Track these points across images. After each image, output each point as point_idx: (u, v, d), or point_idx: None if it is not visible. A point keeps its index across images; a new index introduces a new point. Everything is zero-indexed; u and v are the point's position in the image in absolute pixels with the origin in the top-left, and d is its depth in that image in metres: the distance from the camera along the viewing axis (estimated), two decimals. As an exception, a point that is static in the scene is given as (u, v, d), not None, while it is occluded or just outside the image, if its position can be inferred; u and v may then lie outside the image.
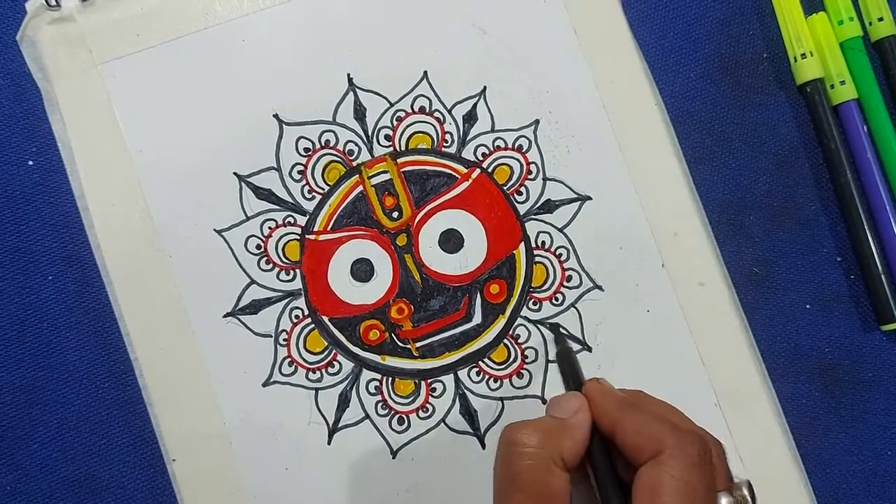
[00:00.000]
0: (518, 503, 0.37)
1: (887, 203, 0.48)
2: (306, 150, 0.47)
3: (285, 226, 0.47)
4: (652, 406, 0.38)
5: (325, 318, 0.47)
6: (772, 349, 0.49)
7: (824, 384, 0.49)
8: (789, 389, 0.48)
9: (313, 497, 0.47)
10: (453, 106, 0.48)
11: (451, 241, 0.47)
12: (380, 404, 0.47)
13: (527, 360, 0.47)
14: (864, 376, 0.49)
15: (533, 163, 0.48)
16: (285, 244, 0.47)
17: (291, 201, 0.47)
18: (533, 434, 0.37)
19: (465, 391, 0.47)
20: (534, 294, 0.48)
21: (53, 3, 0.47)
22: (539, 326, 0.47)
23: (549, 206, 0.48)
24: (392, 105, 0.48)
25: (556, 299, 0.48)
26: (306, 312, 0.47)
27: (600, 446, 0.38)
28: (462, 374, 0.47)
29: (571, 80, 0.49)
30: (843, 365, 0.49)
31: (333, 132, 0.48)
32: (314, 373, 0.47)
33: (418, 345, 0.47)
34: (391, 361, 0.47)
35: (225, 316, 0.47)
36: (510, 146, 0.48)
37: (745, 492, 0.38)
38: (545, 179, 0.48)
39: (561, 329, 0.48)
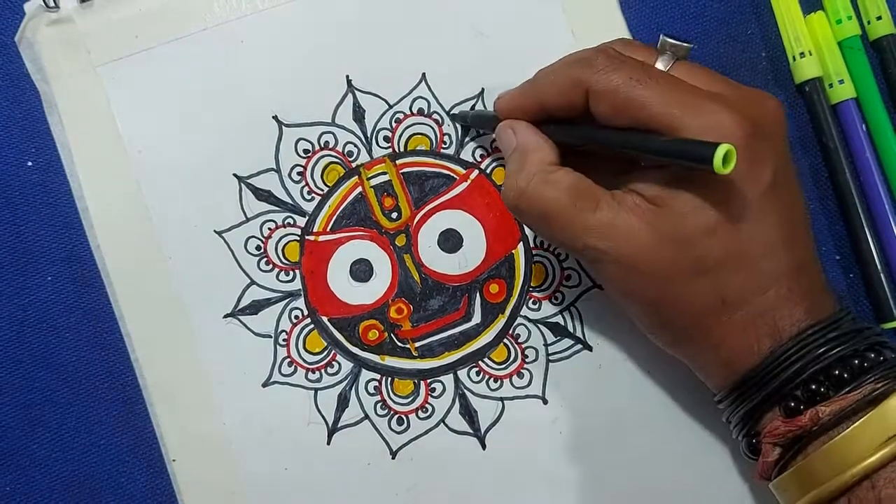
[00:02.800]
0: (563, 221, 0.38)
1: (886, 202, 0.48)
2: (306, 151, 0.48)
3: (285, 227, 0.47)
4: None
5: (325, 319, 0.47)
6: (771, 348, 0.49)
7: (823, 383, 0.49)
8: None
9: (313, 497, 0.47)
10: (452, 108, 0.48)
11: (450, 241, 0.48)
12: (379, 404, 0.47)
13: (527, 360, 0.47)
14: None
15: (532, 163, 0.48)
16: (285, 245, 0.47)
17: (291, 202, 0.47)
18: (517, 177, 0.40)
19: (465, 391, 0.47)
20: (533, 293, 0.48)
21: (52, 4, 0.47)
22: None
23: (548, 206, 0.48)
24: (391, 107, 0.48)
25: (556, 298, 0.48)
26: (306, 313, 0.47)
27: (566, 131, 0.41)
28: (462, 373, 0.47)
29: (570, 80, 0.49)
30: (843, 364, 0.49)
31: (333, 134, 0.48)
32: (313, 373, 0.47)
33: (417, 345, 0.47)
34: (390, 361, 0.47)
35: (225, 316, 0.47)
36: (509, 146, 0.48)
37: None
38: (544, 179, 0.48)
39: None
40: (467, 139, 0.48)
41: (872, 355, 0.36)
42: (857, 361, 0.36)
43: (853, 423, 0.35)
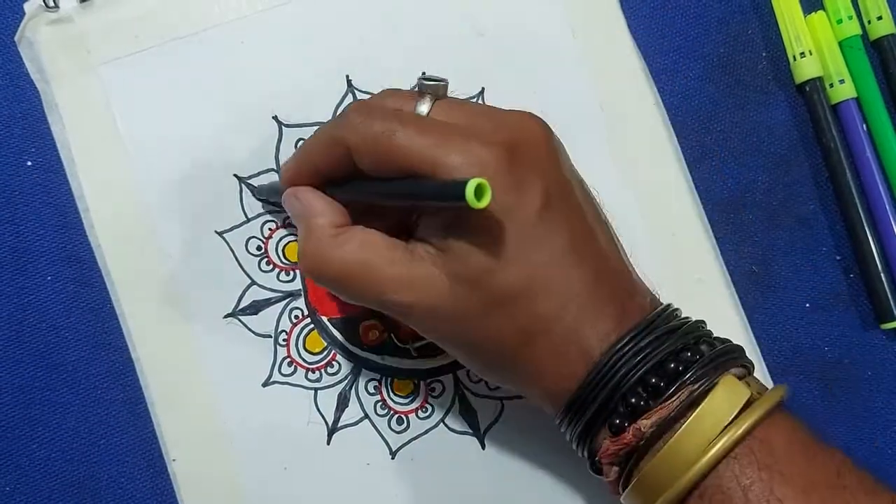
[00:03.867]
0: (362, 281, 0.38)
1: (886, 202, 0.48)
2: (305, 150, 0.47)
3: (285, 227, 0.47)
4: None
5: (325, 319, 0.47)
6: (771, 348, 0.49)
7: (824, 383, 0.49)
8: (789, 388, 0.48)
9: (313, 497, 0.47)
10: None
11: (450, 240, 0.47)
12: (379, 404, 0.47)
13: (526, 360, 0.47)
14: (864, 374, 0.49)
15: (532, 163, 0.48)
16: (285, 245, 0.47)
17: (291, 202, 0.47)
18: (306, 243, 0.39)
19: (465, 391, 0.47)
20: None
21: (52, 4, 0.47)
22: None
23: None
24: (391, 105, 0.48)
25: (556, 299, 0.48)
26: (306, 313, 0.47)
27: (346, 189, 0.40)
28: (461, 373, 0.47)
29: (570, 80, 0.49)
30: (843, 363, 0.49)
31: (333, 133, 0.48)
32: (313, 373, 0.47)
33: (417, 345, 0.47)
34: (390, 361, 0.47)
35: (225, 316, 0.47)
36: (509, 146, 0.48)
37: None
38: (544, 179, 0.48)
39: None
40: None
41: (689, 354, 0.36)
42: (672, 365, 0.35)
43: (676, 431, 0.34)
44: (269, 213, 0.47)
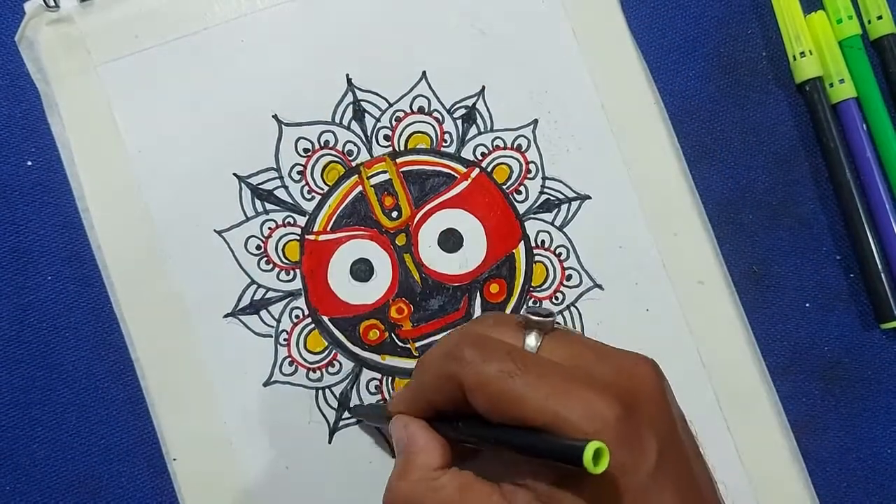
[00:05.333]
0: None
1: (886, 201, 0.48)
2: (305, 150, 0.48)
3: (285, 226, 0.47)
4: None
5: (325, 318, 0.47)
6: (771, 348, 0.49)
7: (824, 383, 0.49)
8: (789, 388, 0.48)
9: (314, 496, 0.47)
10: (452, 106, 0.48)
11: (450, 240, 0.47)
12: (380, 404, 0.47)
13: (527, 360, 0.47)
14: (864, 374, 0.49)
15: (532, 162, 0.48)
16: (285, 244, 0.47)
17: (291, 202, 0.47)
18: (401, 483, 0.38)
19: (465, 391, 0.47)
20: (534, 293, 0.48)
21: (52, 4, 0.47)
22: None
23: (549, 206, 0.48)
24: (391, 105, 0.48)
25: (556, 298, 0.48)
26: (306, 312, 0.47)
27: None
28: (462, 373, 0.47)
29: (570, 79, 0.49)
30: (843, 363, 0.49)
31: (332, 132, 0.48)
32: (314, 372, 0.47)
33: (418, 344, 0.47)
34: (391, 361, 0.47)
35: (225, 316, 0.47)
36: (509, 146, 0.48)
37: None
38: (544, 179, 0.48)
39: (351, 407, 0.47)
40: None
41: None
42: None
43: None
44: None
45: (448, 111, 0.48)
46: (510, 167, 0.48)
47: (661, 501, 0.35)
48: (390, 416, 0.41)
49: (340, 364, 0.47)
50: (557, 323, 0.38)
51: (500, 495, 0.36)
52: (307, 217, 0.47)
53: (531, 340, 0.37)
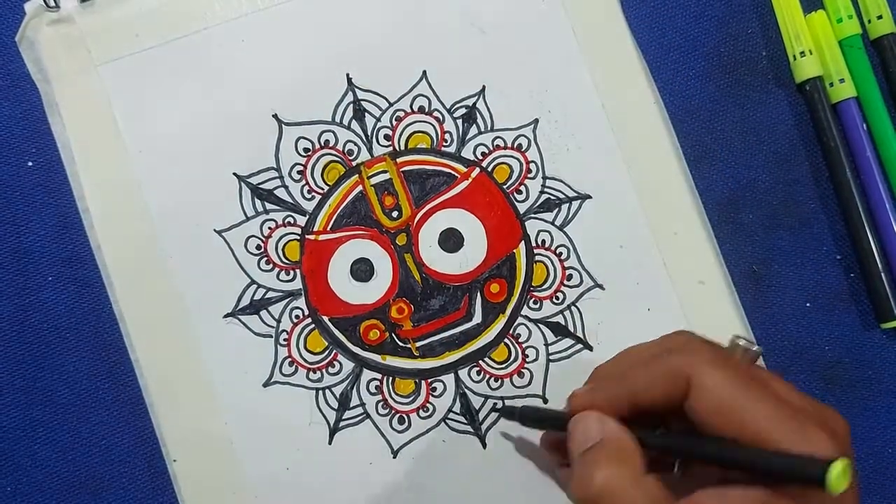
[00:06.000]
0: None
1: (887, 201, 0.48)
2: (306, 150, 0.47)
3: (285, 226, 0.47)
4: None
5: (326, 318, 0.47)
6: (772, 347, 0.49)
7: (825, 382, 0.49)
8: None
9: (314, 497, 0.47)
10: (452, 105, 0.48)
11: (450, 240, 0.47)
12: (380, 404, 0.47)
13: (527, 360, 0.47)
14: (865, 374, 0.49)
15: (532, 162, 0.48)
16: (285, 244, 0.47)
17: (291, 201, 0.47)
18: (605, 469, 0.35)
19: (466, 390, 0.47)
20: (534, 293, 0.48)
21: (52, 4, 0.47)
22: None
23: (549, 205, 0.48)
24: (391, 105, 0.48)
25: (557, 298, 0.48)
26: (306, 312, 0.47)
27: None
28: (462, 373, 0.47)
29: (570, 78, 0.49)
30: (844, 363, 0.49)
31: (333, 132, 0.48)
32: (315, 373, 0.47)
33: (418, 344, 0.47)
34: (391, 361, 0.47)
35: (225, 316, 0.47)
36: (509, 145, 0.48)
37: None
38: (545, 178, 0.48)
39: (499, 406, 0.47)
40: None
41: None
42: None
43: None
44: None
45: (448, 111, 0.48)
46: (510, 167, 0.48)
47: None
48: (567, 418, 0.38)
49: (340, 364, 0.47)
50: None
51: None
52: (307, 217, 0.47)
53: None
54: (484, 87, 0.48)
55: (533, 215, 0.48)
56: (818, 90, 0.49)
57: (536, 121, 0.48)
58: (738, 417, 0.33)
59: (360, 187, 0.48)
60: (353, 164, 0.48)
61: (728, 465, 0.34)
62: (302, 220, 0.47)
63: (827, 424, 0.33)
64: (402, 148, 0.48)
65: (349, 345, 0.47)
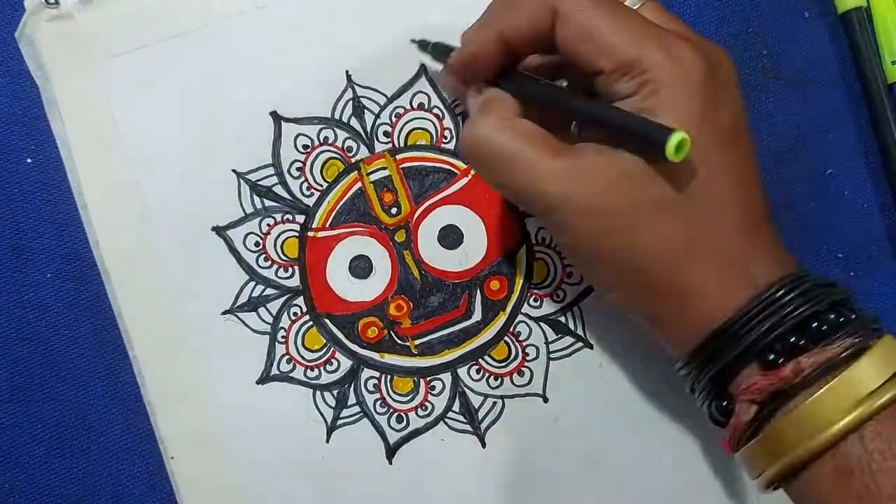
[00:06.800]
0: (520, 165, 0.37)
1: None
2: (305, 147, 0.47)
3: (284, 223, 0.47)
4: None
5: (324, 316, 0.47)
6: (772, 346, 0.49)
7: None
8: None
9: (311, 495, 0.47)
10: (452, 102, 0.48)
11: (450, 237, 0.47)
12: (378, 402, 0.47)
13: (527, 358, 0.47)
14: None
15: (532, 159, 0.48)
16: (284, 241, 0.47)
17: (290, 198, 0.47)
18: (476, 122, 0.39)
19: (465, 389, 0.47)
20: (534, 290, 0.48)
21: (52, 0, 0.47)
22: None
23: (549, 203, 0.48)
24: (391, 101, 0.48)
25: (557, 296, 0.47)
26: (305, 310, 0.47)
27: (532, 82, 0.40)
28: (461, 371, 0.47)
29: (570, 76, 0.49)
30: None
31: (332, 129, 0.48)
32: (312, 370, 0.47)
33: (417, 342, 0.47)
34: (390, 359, 0.47)
35: (223, 313, 0.47)
36: (509, 143, 0.48)
37: None
38: (544, 176, 0.48)
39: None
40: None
41: (847, 311, 0.35)
42: (832, 316, 0.35)
43: (830, 381, 0.34)
44: (268, 209, 0.47)
45: (448, 107, 0.48)
46: (510, 164, 0.48)
47: (736, 163, 0.36)
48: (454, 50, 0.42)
49: (339, 362, 0.47)
50: None
51: (571, 146, 0.37)
52: (306, 214, 0.47)
53: (631, 3, 0.39)
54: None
55: (532, 213, 0.48)
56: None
57: (536, 118, 0.48)
58: (601, 41, 0.36)
59: (359, 184, 0.47)
60: (353, 160, 0.48)
61: (588, 119, 0.37)
62: (301, 217, 0.47)
63: (700, 48, 0.36)
64: (402, 145, 0.48)
65: (347, 342, 0.47)
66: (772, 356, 0.35)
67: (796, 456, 0.34)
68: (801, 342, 0.34)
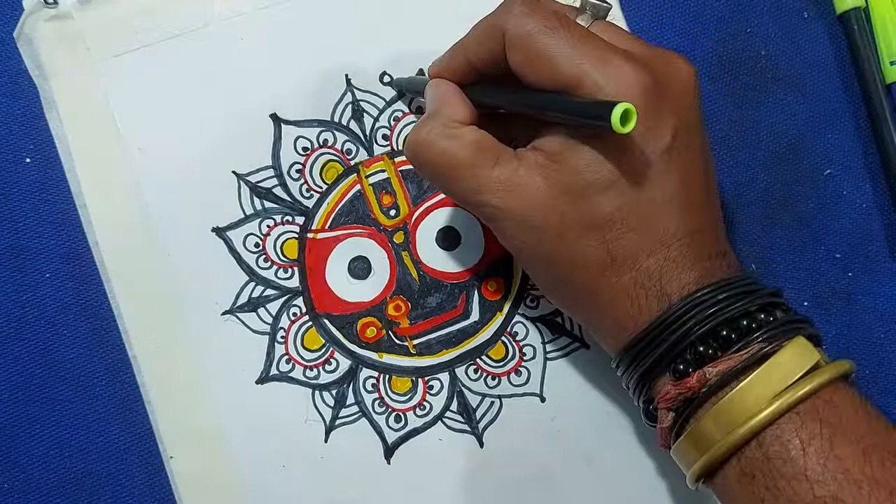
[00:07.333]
0: (459, 174, 0.39)
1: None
2: (304, 149, 0.47)
3: (283, 224, 0.47)
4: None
5: (323, 316, 0.47)
6: (769, 347, 0.49)
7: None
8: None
9: (310, 494, 0.47)
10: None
11: (448, 238, 0.47)
12: (377, 402, 0.47)
13: (525, 358, 0.47)
14: (863, 373, 0.49)
15: (530, 161, 0.48)
16: (283, 242, 0.47)
17: (290, 200, 0.47)
18: (421, 126, 0.40)
19: (463, 389, 0.47)
20: (531, 291, 0.48)
21: (51, 0, 0.47)
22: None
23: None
24: (389, 105, 0.48)
25: (554, 297, 0.48)
26: (304, 310, 0.47)
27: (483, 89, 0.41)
28: (459, 371, 0.47)
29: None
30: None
31: (331, 132, 0.48)
32: (311, 370, 0.47)
33: (415, 342, 0.47)
34: (388, 359, 0.47)
35: (223, 314, 0.47)
36: (508, 144, 0.48)
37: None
38: (543, 177, 0.48)
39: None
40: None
41: (762, 315, 0.36)
42: (745, 322, 0.36)
43: (740, 382, 0.35)
44: (269, 210, 0.47)
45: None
46: (508, 165, 0.48)
47: (666, 181, 0.37)
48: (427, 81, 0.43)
49: (337, 362, 0.47)
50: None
51: (512, 153, 0.39)
52: (306, 215, 0.47)
53: (582, 20, 0.39)
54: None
55: (531, 214, 0.48)
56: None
57: (534, 119, 0.48)
58: (545, 64, 0.36)
59: (358, 186, 0.48)
60: (352, 163, 0.48)
61: (532, 109, 0.38)
62: (300, 219, 0.47)
63: (646, 64, 0.37)
64: (401, 148, 0.48)
65: (346, 342, 0.47)
66: (682, 366, 0.36)
67: (708, 459, 0.35)
68: (710, 351, 0.36)
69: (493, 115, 0.42)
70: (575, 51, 0.36)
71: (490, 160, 0.38)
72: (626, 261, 0.37)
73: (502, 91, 0.40)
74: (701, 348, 0.36)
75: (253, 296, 0.47)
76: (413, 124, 0.47)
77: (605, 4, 0.40)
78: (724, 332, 0.36)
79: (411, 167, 0.47)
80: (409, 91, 0.47)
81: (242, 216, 0.47)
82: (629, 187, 0.36)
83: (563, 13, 0.38)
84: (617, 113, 0.32)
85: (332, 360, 0.47)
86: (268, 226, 0.47)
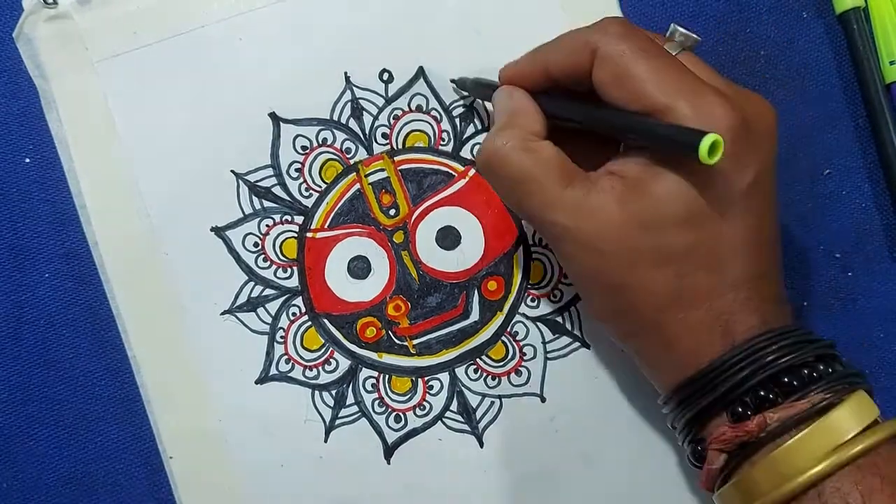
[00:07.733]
0: (532, 189, 0.38)
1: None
2: (304, 148, 0.47)
3: (283, 224, 0.47)
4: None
5: (323, 316, 0.47)
6: (769, 346, 0.49)
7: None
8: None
9: (310, 494, 0.47)
10: (450, 104, 0.48)
11: (448, 238, 0.47)
12: (376, 402, 0.47)
13: (525, 358, 0.47)
14: (862, 373, 0.49)
15: (530, 160, 0.48)
16: (283, 242, 0.47)
17: (289, 199, 0.47)
18: (497, 137, 0.39)
19: (463, 389, 0.47)
20: (532, 290, 0.48)
21: (50, 0, 0.47)
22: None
23: (547, 204, 0.48)
24: (389, 103, 0.48)
25: (555, 296, 0.48)
26: (303, 310, 0.47)
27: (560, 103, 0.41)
28: (459, 371, 0.47)
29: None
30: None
31: (331, 130, 0.48)
32: (311, 370, 0.47)
33: (415, 342, 0.47)
34: (388, 359, 0.47)
35: (222, 313, 0.47)
36: (507, 144, 0.48)
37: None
38: (542, 177, 0.48)
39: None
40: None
41: (822, 366, 0.36)
42: (806, 371, 0.36)
43: (800, 431, 0.35)
44: (268, 210, 0.47)
45: (446, 110, 0.48)
46: (508, 165, 0.48)
47: (742, 221, 0.37)
48: (497, 87, 0.43)
49: (337, 362, 0.47)
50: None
51: (586, 175, 0.38)
52: (305, 214, 0.47)
53: (670, 48, 0.39)
54: (481, 86, 0.48)
55: (530, 213, 0.48)
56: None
57: (534, 119, 0.48)
58: (635, 86, 0.36)
59: (357, 185, 0.48)
60: (351, 162, 0.48)
61: (618, 130, 0.38)
62: (300, 218, 0.47)
63: (734, 102, 0.36)
64: (400, 146, 0.48)
65: (346, 342, 0.47)
66: (741, 408, 0.36)
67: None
68: (771, 396, 0.35)
69: (563, 133, 0.41)
70: (667, 78, 0.36)
71: (565, 179, 0.38)
72: (695, 298, 0.37)
73: (582, 106, 0.40)
74: (762, 392, 0.35)
75: (252, 295, 0.47)
76: (413, 123, 0.47)
77: (694, 36, 0.40)
78: (786, 379, 0.35)
79: (411, 166, 0.47)
80: (474, 94, 0.47)
81: (241, 216, 0.47)
82: (707, 223, 0.36)
83: (655, 41, 0.38)
84: (707, 142, 0.32)
85: (331, 360, 0.47)
86: (267, 225, 0.47)
